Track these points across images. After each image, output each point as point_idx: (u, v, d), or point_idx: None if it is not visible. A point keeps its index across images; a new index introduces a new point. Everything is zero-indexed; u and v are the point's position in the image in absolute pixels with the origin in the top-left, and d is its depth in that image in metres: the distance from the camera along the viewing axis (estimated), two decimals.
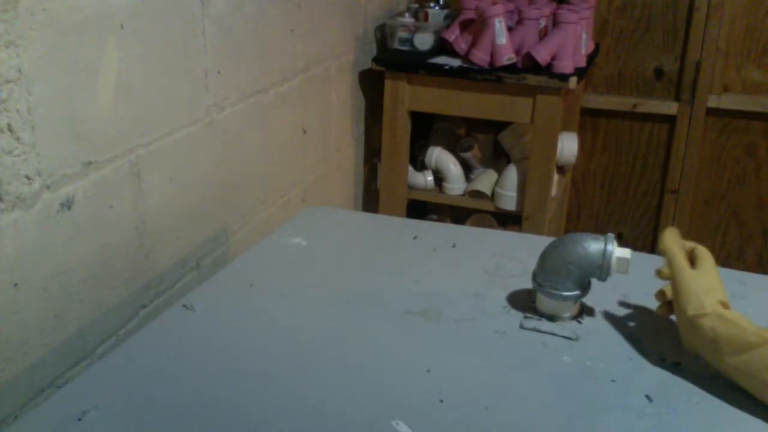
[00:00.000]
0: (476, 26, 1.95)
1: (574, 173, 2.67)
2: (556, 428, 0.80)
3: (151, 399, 0.83)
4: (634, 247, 1.01)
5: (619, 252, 0.95)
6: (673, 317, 0.94)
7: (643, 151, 2.61)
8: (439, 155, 2.16)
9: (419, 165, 2.21)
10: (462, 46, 1.99)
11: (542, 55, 1.87)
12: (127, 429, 0.79)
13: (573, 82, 1.85)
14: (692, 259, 0.92)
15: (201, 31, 1.26)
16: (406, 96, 2.01)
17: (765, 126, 2.47)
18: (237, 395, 0.83)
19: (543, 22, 1.95)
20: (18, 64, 0.89)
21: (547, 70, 1.88)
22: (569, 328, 0.97)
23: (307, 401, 0.83)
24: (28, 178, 0.93)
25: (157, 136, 1.18)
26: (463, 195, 2.16)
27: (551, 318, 0.99)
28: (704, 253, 0.92)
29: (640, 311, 1.02)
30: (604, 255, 0.94)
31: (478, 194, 2.13)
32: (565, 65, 1.87)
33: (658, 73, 2.50)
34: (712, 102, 2.45)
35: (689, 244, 0.94)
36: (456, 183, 2.16)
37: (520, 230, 2.04)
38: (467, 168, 2.19)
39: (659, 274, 0.94)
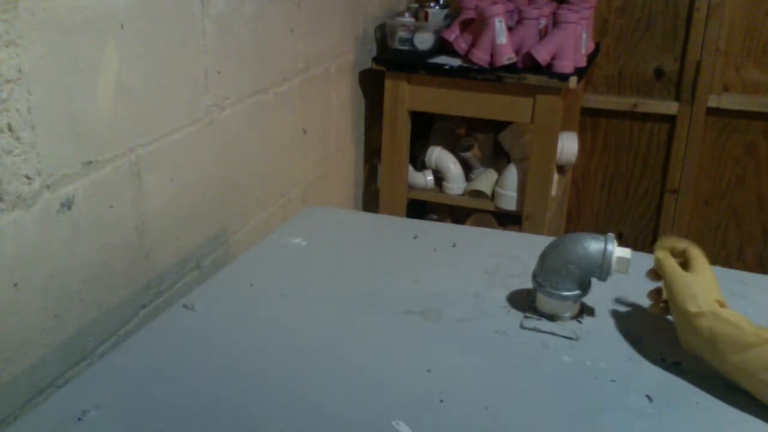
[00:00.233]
0: (476, 26, 1.95)
1: (574, 173, 2.67)
2: (556, 428, 0.80)
3: (151, 399, 0.83)
4: (634, 247, 1.00)
5: (620, 252, 0.95)
6: (669, 317, 0.95)
7: (643, 151, 2.61)
8: (439, 155, 2.16)
9: (419, 165, 2.21)
10: (462, 45, 1.99)
11: (542, 55, 1.87)
12: (127, 429, 0.79)
13: (573, 81, 1.85)
14: (686, 259, 0.92)
15: (201, 31, 1.26)
16: (406, 96, 2.01)
17: (765, 126, 2.47)
18: (237, 395, 0.83)
19: (543, 22, 1.95)
20: (18, 64, 0.89)
21: (547, 69, 1.88)
22: (569, 328, 0.97)
23: (307, 401, 0.83)
24: (28, 177, 0.93)
25: (157, 136, 1.18)
26: (463, 195, 2.16)
27: (551, 318, 0.99)
28: (697, 253, 0.92)
29: (640, 311, 1.02)
30: (605, 255, 0.94)
31: (478, 194, 2.13)
32: (565, 65, 1.87)
33: (658, 73, 2.50)
34: (712, 102, 2.45)
35: (683, 243, 0.94)
36: (456, 183, 2.16)
37: (520, 230, 2.04)
38: (467, 168, 2.19)
39: (650, 275, 0.95)
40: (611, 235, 0.96)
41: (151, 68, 1.14)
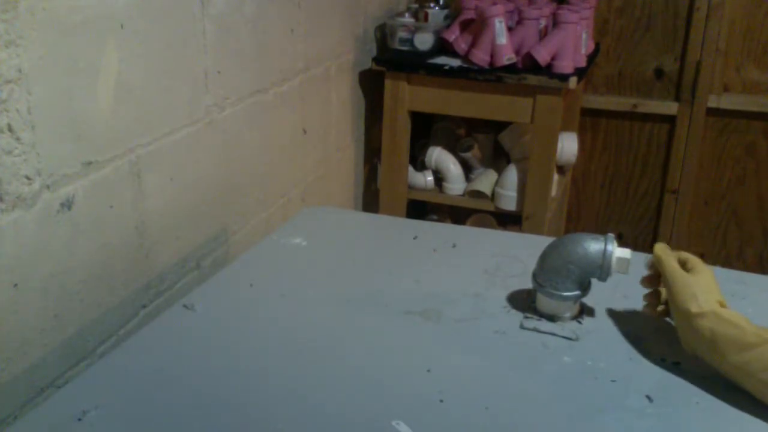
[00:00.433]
0: (476, 26, 1.95)
1: (574, 173, 2.67)
2: (556, 428, 0.80)
3: (151, 399, 0.83)
4: (634, 247, 1.00)
5: (619, 252, 0.95)
6: (668, 319, 0.95)
7: (643, 151, 2.61)
8: (439, 155, 2.16)
9: (419, 165, 2.21)
10: (462, 46, 1.99)
11: (542, 55, 1.87)
12: (127, 429, 0.79)
13: (573, 82, 1.85)
14: (684, 263, 0.92)
15: (201, 31, 1.26)
16: (406, 96, 2.01)
17: (765, 126, 2.47)
18: (237, 395, 0.83)
19: (543, 22, 1.95)
20: (18, 64, 0.89)
21: (547, 70, 1.88)
22: (569, 328, 0.97)
23: (307, 401, 0.83)
24: (28, 178, 0.93)
25: (157, 136, 1.18)
26: (463, 195, 2.16)
27: (551, 318, 0.99)
28: (697, 260, 0.92)
29: (640, 311, 1.02)
30: (604, 255, 0.94)
31: (478, 194, 2.13)
32: (565, 65, 1.87)
33: (658, 73, 2.50)
34: (712, 102, 2.45)
35: (681, 254, 0.94)
36: (456, 183, 2.16)
37: (520, 230, 2.04)
38: (467, 168, 2.19)
39: (644, 282, 0.95)
40: (611, 235, 0.96)
41: (151, 68, 1.14)
